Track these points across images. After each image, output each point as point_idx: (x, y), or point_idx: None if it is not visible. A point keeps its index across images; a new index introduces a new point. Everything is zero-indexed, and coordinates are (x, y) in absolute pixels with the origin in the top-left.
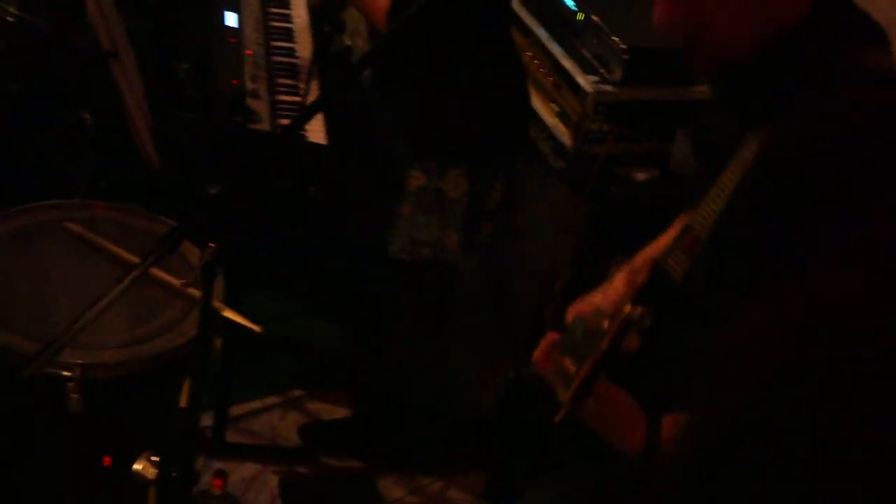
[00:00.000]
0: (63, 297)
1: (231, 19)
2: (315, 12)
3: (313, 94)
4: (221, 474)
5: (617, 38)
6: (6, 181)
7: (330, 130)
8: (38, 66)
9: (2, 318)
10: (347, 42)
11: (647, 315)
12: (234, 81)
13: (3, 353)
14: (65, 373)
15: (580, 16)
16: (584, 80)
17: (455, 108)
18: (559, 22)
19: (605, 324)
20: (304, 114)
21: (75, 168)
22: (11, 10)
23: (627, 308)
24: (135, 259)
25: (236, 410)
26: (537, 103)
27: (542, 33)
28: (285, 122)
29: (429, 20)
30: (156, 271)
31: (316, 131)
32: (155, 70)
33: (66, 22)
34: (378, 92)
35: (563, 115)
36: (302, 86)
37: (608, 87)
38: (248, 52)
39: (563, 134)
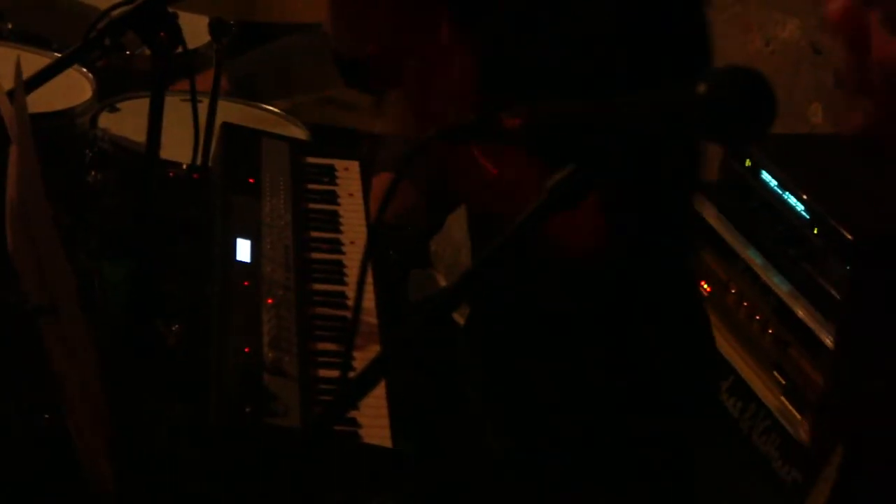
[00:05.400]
0: None
1: (244, 251)
2: (377, 232)
3: (363, 361)
4: None
5: None
6: None
7: (398, 424)
8: None
9: None
10: (441, 281)
11: None
12: (246, 349)
13: None
14: None
15: (816, 230)
16: (827, 333)
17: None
18: (782, 239)
19: None
20: (345, 398)
21: None
22: None
23: None
24: None
25: None
26: (749, 373)
27: (754, 258)
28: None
29: None
30: None
31: (374, 426)
32: (127, 336)
33: None
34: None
35: (793, 392)
36: (356, 353)
37: None
38: (268, 300)
39: (797, 422)
